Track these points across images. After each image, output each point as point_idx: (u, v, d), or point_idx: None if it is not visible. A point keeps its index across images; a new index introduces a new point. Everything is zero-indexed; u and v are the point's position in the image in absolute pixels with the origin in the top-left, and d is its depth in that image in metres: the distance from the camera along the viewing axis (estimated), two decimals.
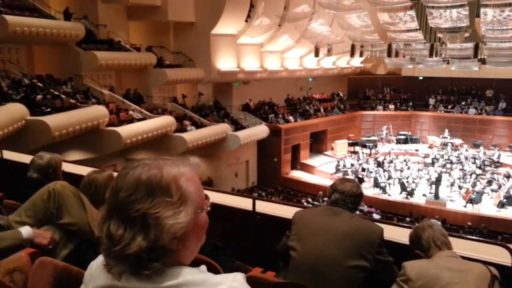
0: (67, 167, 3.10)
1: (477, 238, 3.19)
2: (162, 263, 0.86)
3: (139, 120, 13.77)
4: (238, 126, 18.31)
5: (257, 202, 2.97)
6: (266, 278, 1.79)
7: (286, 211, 2.64)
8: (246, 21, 18.05)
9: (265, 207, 3.01)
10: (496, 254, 2.69)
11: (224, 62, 18.20)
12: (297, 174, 20.95)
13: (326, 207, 2.38)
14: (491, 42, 16.02)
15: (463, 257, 2.66)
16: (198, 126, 16.19)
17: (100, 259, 0.92)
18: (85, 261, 1.06)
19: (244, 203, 3.04)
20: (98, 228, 0.90)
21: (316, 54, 19.16)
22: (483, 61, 18.33)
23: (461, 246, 2.95)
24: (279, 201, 6.61)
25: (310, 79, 24.70)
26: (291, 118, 21.32)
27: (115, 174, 1.60)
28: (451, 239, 3.12)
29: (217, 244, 2.23)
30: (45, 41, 12.90)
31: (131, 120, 13.55)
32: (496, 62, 18.34)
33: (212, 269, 1.60)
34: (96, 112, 12.00)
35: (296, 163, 21.45)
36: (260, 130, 18.84)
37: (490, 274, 1.98)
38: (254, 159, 20.16)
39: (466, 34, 18.95)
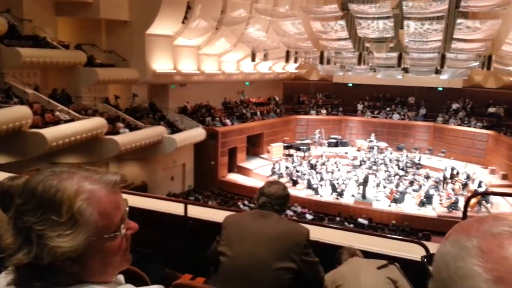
0: None
1: (397, 236, 3.45)
2: (48, 282, 0.77)
3: (67, 121, 12.99)
4: (174, 128, 17.99)
5: (189, 206, 2.94)
6: (194, 285, 1.81)
7: (219, 216, 2.65)
8: (183, 22, 17.80)
9: (197, 211, 3.00)
10: (413, 250, 2.93)
11: (160, 63, 17.80)
12: (234, 177, 21.06)
13: (255, 211, 2.42)
14: (413, 52, 17.29)
15: (385, 255, 2.88)
16: (132, 128, 15.65)
17: None
18: None
19: (176, 208, 3.00)
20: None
21: (253, 59, 19.45)
22: (406, 70, 19.71)
23: (383, 244, 3.18)
24: (211, 205, 6.60)
25: (247, 83, 24.97)
26: (228, 121, 21.39)
27: None
28: (374, 238, 3.35)
29: (145, 252, 2.20)
30: None
31: (57, 122, 12.74)
32: (417, 71, 19.86)
33: (139, 279, 1.59)
34: (18, 113, 11.14)
35: (233, 166, 21.56)
36: (197, 133, 18.68)
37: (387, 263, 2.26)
38: (191, 162, 19.93)
39: (391, 45, 20.35)
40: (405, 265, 2.62)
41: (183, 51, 18.96)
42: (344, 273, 2.24)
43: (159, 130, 16.36)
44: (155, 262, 2.19)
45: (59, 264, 0.77)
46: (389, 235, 4.41)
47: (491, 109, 23.02)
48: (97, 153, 13.87)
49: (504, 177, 19.58)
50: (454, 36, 15.52)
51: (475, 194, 3.57)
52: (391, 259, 2.48)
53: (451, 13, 20.78)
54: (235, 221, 2.40)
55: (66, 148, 12.62)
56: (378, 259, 2.42)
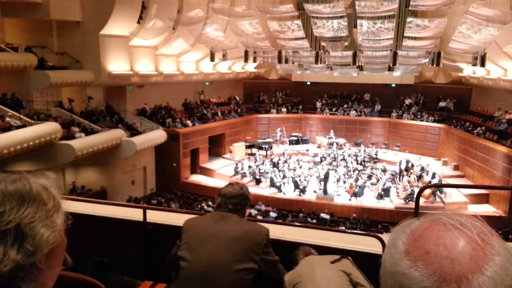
0: None
1: (353, 231, 3.57)
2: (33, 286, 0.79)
3: (18, 127, 12.42)
4: (133, 131, 17.62)
5: (149, 211, 2.90)
6: None
7: (180, 219, 2.62)
8: (139, 22, 17.43)
9: (157, 216, 2.96)
10: (370, 244, 3.04)
11: (116, 64, 17.34)
12: (197, 178, 20.91)
13: (215, 213, 2.41)
14: (367, 50, 17.86)
15: (343, 249, 2.98)
16: (88, 132, 15.19)
17: None
18: None
19: (134, 213, 2.95)
20: None
21: (212, 59, 19.37)
22: (361, 68, 20.31)
23: (342, 239, 3.29)
24: (171, 208, 6.51)
25: (207, 83, 24.84)
26: (189, 122, 21.20)
27: None
28: (333, 234, 3.46)
29: (103, 261, 2.16)
30: None
31: (8, 128, 12.16)
32: (372, 69, 20.53)
33: None
34: None
35: (195, 167, 21.39)
36: (158, 135, 18.38)
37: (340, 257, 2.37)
38: (152, 165, 19.59)
39: (346, 43, 20.94)
40: (362, 257, 2.73)
41: (139, 52, 18.58)
42: (300, 271, 2.32)
43: (117, 133, 15.97)
44: (113, 271, 2.15)
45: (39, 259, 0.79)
46: (346, 230, 4.56)
47: (442, 104, 24.22)
48: (52, 159, 13.37)
49: (456, 167, 20.68)
50: (405, 34, 16.20)
51: (425, 187, 3.78)
52: (349, 253, 2.57)
53: (402, 12, 21.71)
54: (195, 225, 2.38)
55: (18, 155, 12.07)
56: (336, 253, 2.50)
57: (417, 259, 0.64)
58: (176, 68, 20.88)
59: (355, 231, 3.41)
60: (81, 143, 14.06)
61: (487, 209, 17.01)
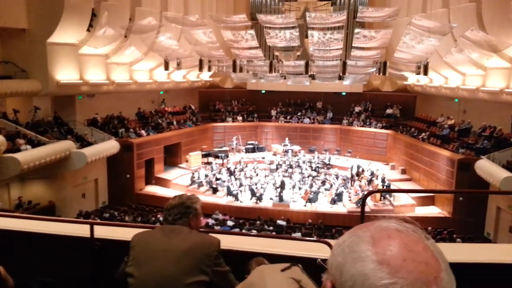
0: None
1: (304, 238, 3.68)
2: None
3: None
4: (84, 142, 17.03)
5: (96, 227, 2.84)
6: None
7: (130, 233, 2.54)
8: (88, 30, 16.96)
9: (105, 231, 2.91)
10: (320, 250, 3.14)
11: (65, 73, 16.73)
12: (152, 189, 20.51)
13: (164, 226, 2.36)
14: (318, 60, 18.41)
15: (294, 257, 3.08)
16: (35, 144, 14.52)
17: None
18: None
19: (81, 229, 2.87)
20: None
21: (166, 68, 19.14)
22: (313, 77, 20.89)
23: (293, 246, 3.38)
24: (120, 223, 6.35)
25: (161, 92, 24.50)
26: (143, 132, 20.79)
27: None
28: (285, 242, 3.56)
29: (49, 281, 2.10)
30: None
31: None
32: (323, 78, 21.16)
33: None
34: None
35: (150, 178, 20.98)
36: (110, 146, 17.88)
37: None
38: (104, 177, 19.00)
39: (298, 53, 21.48)
40: (312, 264, 2.82)
41: (90, 60, 18.04)
42: (251, 281, 2.37)
43: (66, 145, 15.39)
44: None
45: None
46: (297, 237, 4.69)
47: (389, 111, 25.40)
48: None
49: (403, 171, 21.71)
50: (353, 45, 16.86)
51: (369, 193, 3.93)
52: (299, 260, 2.67)
53: (350, 23, 22.64)
54: (143, 240, 2.32)
55: None
56: (288, 261, 2.59)
57: (397, 268, 0.65)
58: (128, 76, 20.45)
59: (306, 238, 3.52)
60: (27, 155, 13.41)
61: (433, 211, 17.98)
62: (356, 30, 16.04)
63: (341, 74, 18.50)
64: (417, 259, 0.66)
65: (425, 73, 15.38)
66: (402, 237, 0.70)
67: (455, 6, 17.03)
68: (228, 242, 3.04)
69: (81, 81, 17.53)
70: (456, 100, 20.49)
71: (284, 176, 20.76)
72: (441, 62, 17.48)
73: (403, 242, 0.69)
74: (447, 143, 18.90)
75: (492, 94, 16.45)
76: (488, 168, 14.79)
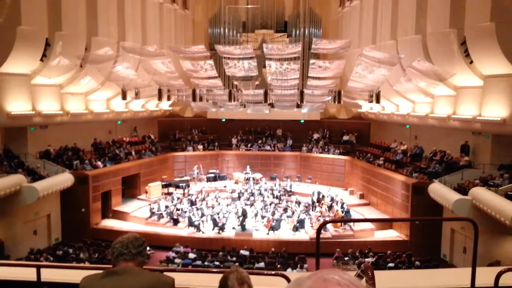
0: None
1: (263, 272, 3.61)
2: None
3: None
4: (35, 176, 16.27)
5: (44, 270, 2.67)
6: None
7: (79, 275, 2.36)
8: (42, 60, 16.50)
9: (54, 274, 2.76)
10: (277, 283, 3.10)
11: (16, 104, 16.09)
12: (109, 223, 19.73)
13: (111, 269, 2.21)
14: (276, 89, 18.84)
15: None
16: None
17: None
18: None
19: (27, 272, 2.70)
20: None
21: (124, 97, 18.85)
22: (272, 105, 21.28)
23: (252, 280, 3.34)
24: (69, 265, 6.02)
25: (119, 122, 24.00)
26: (99, 163, 20.16)
27: None
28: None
29: None
30: None
31: None
32: (282, 106, 21.62)
33: None
34: None
35: (107, 211, 20.22)
36: (63, 179, 17.19)
37: None
38: (58, 212, 18.14)
39: (257, 82, 21.90)
40: None
41: (43, 91, 17.49)
42: None
43: (16, 179, 14.65)
44: None
45: None
46: (255, 270, 4.62)
47: (345, 137, 26.22)
48: None
49: (361, 196, 22.26)
50: (309, 74, 17.43)
51: (322, 224, 3.97)
52: None
53: (306, 54, 23.49)
54: (93, 283, 2.17)
55: None
56: None
57: None
58: (84, 107, 19.93)
59: (263, 272, 3.47)
60: None
61: (391, 234, 18.45)
62: (312, 61, 16.62)
63: (299, 103, 19.00)
64: None
65: (378, 101, 16.09)
66: None
67: (402, 38, 18.16)
68: (183, 280, 2.98)
69: (33, 112, 16.90)
70: (408, 126, 21.53)
71: (246, 204, 20.66)
72: (391, 90, 18.40)
73: None
74: (401, 168, 19.67)
75: (440, 120, 17.45)
76: (440, 191, 15.48)
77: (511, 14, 13.20)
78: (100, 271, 2.18)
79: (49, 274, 2.67)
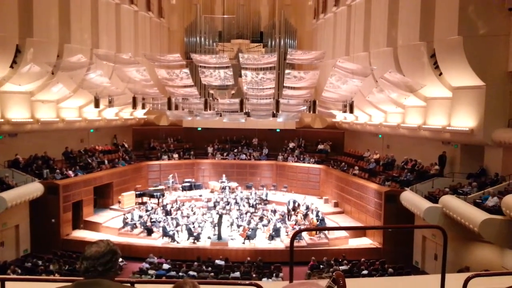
0: None
1: (238, 281, 3.62)
2: None
3: None
4: (3, 185, 15.71)
5: (9, 283, 2.57)
6: None
7: None
8: (12, 67, 16.04)
9: (19, 287, 2.67)
10: None
11: None
12: (81, 234, 19.20)
13: (80, 282, 2.07)
14: (252, 98, 18.95)
15: None
16: None
17: None
18: None
19: None
20: None
21: (97, 105, 18.50)
22: (248, 114, 21.37)
23: None
24: (37, 277, 5.81)
25: (91, 130, 23.51)
26: (70, 172, 19.65)
27: None
28: (213, 287, 3.50)
29: None
30: None
31: None
32: (257, 115, 21.74)
33: None
34: None
35: (78, 222, 19.70)
36: (33, 189, 16.67)
37: None
38: (26, 223, 17.55)
39: (233, 91, 21.99)
40: None
41: (12, 98, 17.00)
42: None
43: None
44: None
45: None
46: (229, 281, 4.62)
47: (320, 146, 26.56)
48: None
49: (336, 204, 22.53)
50: (285, 84, 17.64)
51: (296, 232, 3.98)
52: None
53: (281, 64, 23.76)
54: None
55: None
56: None
57: None
58: (55, 114, 19.44)
59: (238, 282, 3.47)
60: None
61: (365, 242, 18.71)
62: (287, 71, 16.83)
63: (274, 112, 19.15)
64: None
65: (351, 111, 16.41)
66: None
67: (374, 50, 18.66)
68: None
69: (2, 120, 16.38)
70: (380, 136, 22.03)
71: (222, 213, 20.54)
72: (364, 101, 18.82)
73: None
74: (374, 176, 20.06)
75: (411, 130, 17.95)
76: (412, 199, 15.86)
77: (477, 29, 13.81)
78: (69, 284, 2.10)
79: None
